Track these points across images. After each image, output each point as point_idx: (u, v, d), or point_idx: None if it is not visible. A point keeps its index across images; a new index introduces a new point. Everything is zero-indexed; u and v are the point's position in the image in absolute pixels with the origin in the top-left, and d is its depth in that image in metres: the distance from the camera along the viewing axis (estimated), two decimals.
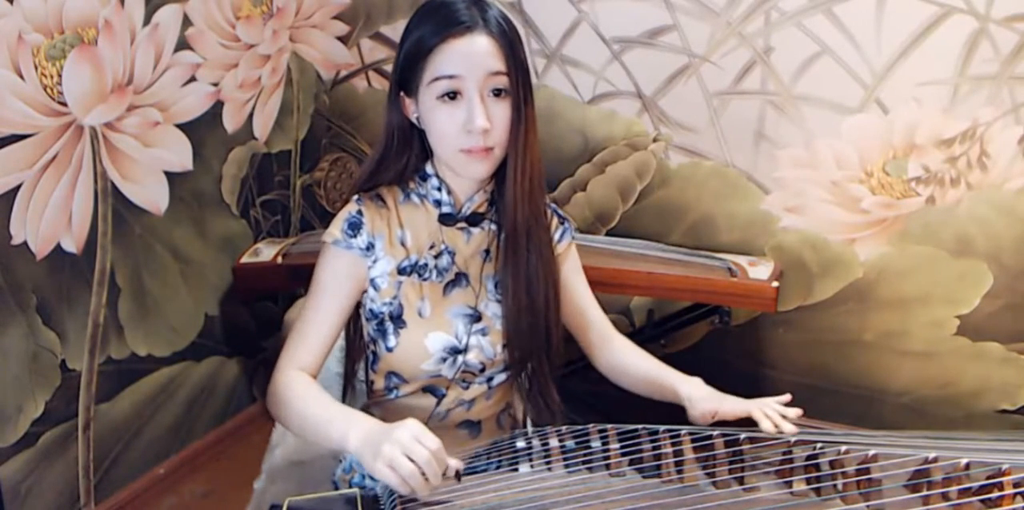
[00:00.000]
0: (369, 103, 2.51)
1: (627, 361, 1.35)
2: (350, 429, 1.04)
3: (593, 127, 2.28)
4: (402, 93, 1.19)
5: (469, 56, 1.12)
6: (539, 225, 1.24)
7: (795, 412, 1.15)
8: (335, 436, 1.06)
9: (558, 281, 1.29)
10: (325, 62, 2.48)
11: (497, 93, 1.14)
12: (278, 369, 1.19)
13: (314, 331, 1.20)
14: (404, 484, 0.96)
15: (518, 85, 1.15)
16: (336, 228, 1.21)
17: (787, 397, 1.19)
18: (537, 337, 1.25)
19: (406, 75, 1.17)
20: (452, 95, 1.13)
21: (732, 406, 1.16)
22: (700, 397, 1.20)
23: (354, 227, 1.21)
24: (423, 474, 0.96)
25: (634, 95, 2.22)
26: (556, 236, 1.31)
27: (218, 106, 2.12)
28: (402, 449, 0.96)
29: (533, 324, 1.24)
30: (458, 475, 1.02)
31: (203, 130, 2.08)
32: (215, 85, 2.09)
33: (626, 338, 1.39)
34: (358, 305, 1.27)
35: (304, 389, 1.15)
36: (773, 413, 1.14)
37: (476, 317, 1.25)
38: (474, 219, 1.25)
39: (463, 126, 1.13)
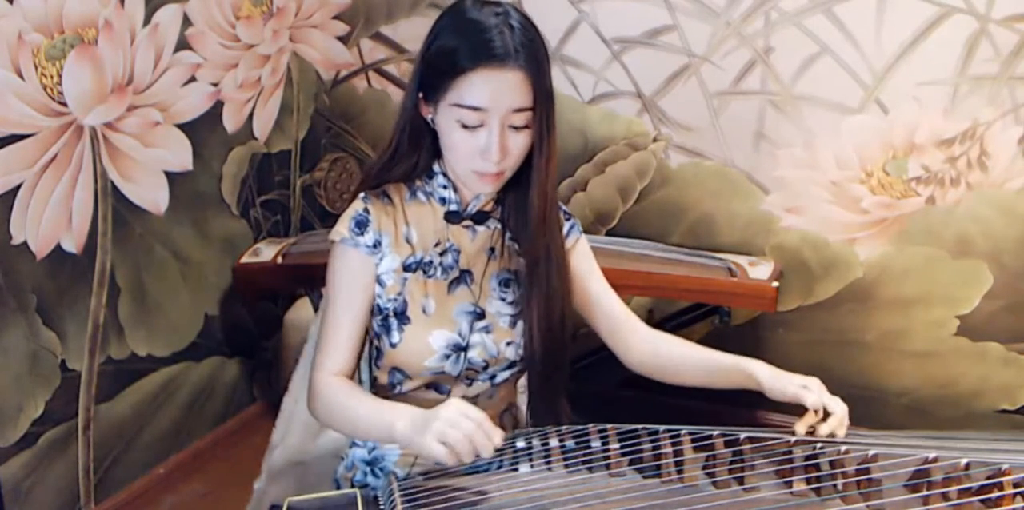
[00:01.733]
0: (369, 103, 2.51)
1: (673, 352, 1.31)
2: (396, 419, 1.07)
3: (593, 127, 2.28)
4: (420, 94, 1.19)
5: (498, 91, 1.11)
6: (557, 247, 1.26)
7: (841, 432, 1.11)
8: (382, 427, 1.08)
9: (570, 292, 1.29)
10: (325, 62, 2.48)
11: (518, 125, 1.14)
12: (315, 376, 1.20)
13: (341, 333, 1.21)
14: (453, 454, 0.99)
15: (542, 117, 1.15)
16: (343, 226, 1.22)
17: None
18: (554, 355, 1.26)
19: (428, 83, 1.16)
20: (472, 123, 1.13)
21: (816, 388, 1.15)
22: (780, 372, 1.18)
23: (361, 225, 1.21)
24: (471, 444, 0.99)
25: (634, 95, 2.22)
26: (563, 235, 1.32)
27: (218, 106, 2.12)
28: (450, 424, 1.00)
29: (551, 345, 1.26)
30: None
31: (203, 130, 2.08)
32: (215, 85, 2.09)
33: (651, 327, 1.35)
34: None
35: (346, 391, 1.17)
36: (828, 427, 1.10)
37: (480, 315, 1.25)
38: (480, 217, 1.26)
39: (479, 153, 1.13)
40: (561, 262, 1.26)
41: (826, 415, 1.13)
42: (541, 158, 1.17)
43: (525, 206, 1.22)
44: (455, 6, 1.18)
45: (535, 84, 1.13)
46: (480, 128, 1.13)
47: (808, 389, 1.14)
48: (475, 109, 1.11)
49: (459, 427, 0.99)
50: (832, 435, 1.08)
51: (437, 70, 1.14)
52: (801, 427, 1.10)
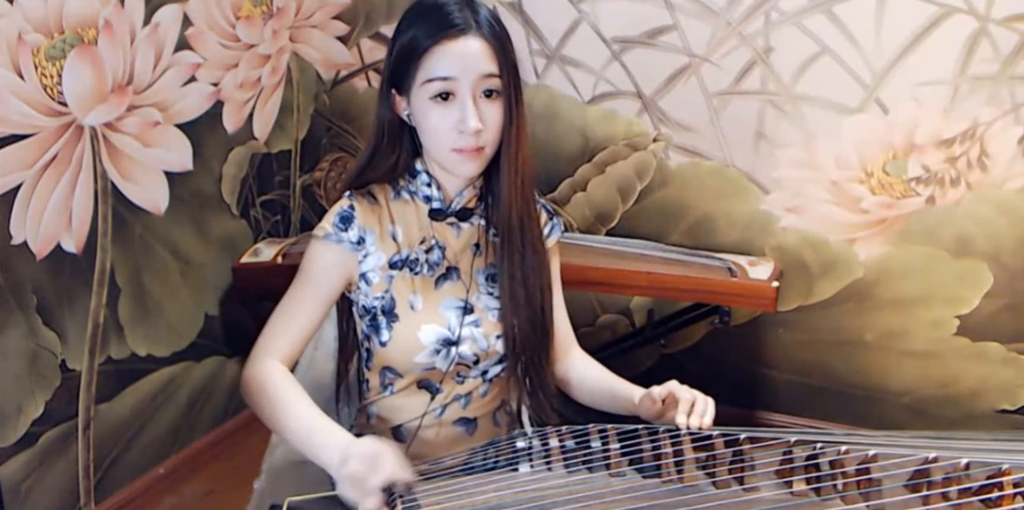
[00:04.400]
0: (369, 103, 2.51)
1: (586, 373, 1.35)
2: (333, 448, 1.07)
3: (593, 127, 2.28)
4: (393, 91, 1.21)
5: (463, 58, 1.13)
6: (531, 220, 1.26)
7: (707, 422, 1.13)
8: (318, 444, 1.09)
9: (551, 274, 1.31)
10: (325, 62, 2.48)
11: (489, 94, 1.16)
12: (257, 356, 1.19)
13: (296, 321, 1.21)
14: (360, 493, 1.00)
15: (510, 86, 1.17)
16: (327, 222, 1.23)
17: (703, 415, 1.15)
18: (534, 331, 1.27)
19: (398, 74, 1.19)
20: (445, 96, 1.15)
21: (675, 386, 1.16)
22: (644, 393, 1.20)
23: (345, 221, 1.22)
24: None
25: (634, 95, 2.22)
26: (546, 231, 1.33)
27: (218, 106, 2.12)
28: (365, 465, 1.00)
29: (530, 318, 1.26)
30: (407, 488, 1.02)
31: (203, 130, 2.08)
32: (215, 85, 2.09)
33: (584, 352, 1.39)
34: (351, 304, 1.28)
35: (288, 389, 1.15)
36: (697, 414, 1.12)
37: (468, 309, 1.26)
38: (463, 214, 1.27)
39: (455, 126, 1.15)
40: (535, 237, 1.26)
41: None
42: (512, 128, 1.18)
43: (499, 178, 1.22)
44: (415, 3, 1.20)
45: (498, 52, 1.15)
46: (452, 102, 1.15)
47: (665, 388, 1.16)
48: (444, 79, 1.14)
49: (370, 473, 1.00)
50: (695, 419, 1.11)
51: (403, 59, 1.17)
52: (681, 418, 1.11)
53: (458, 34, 1.13)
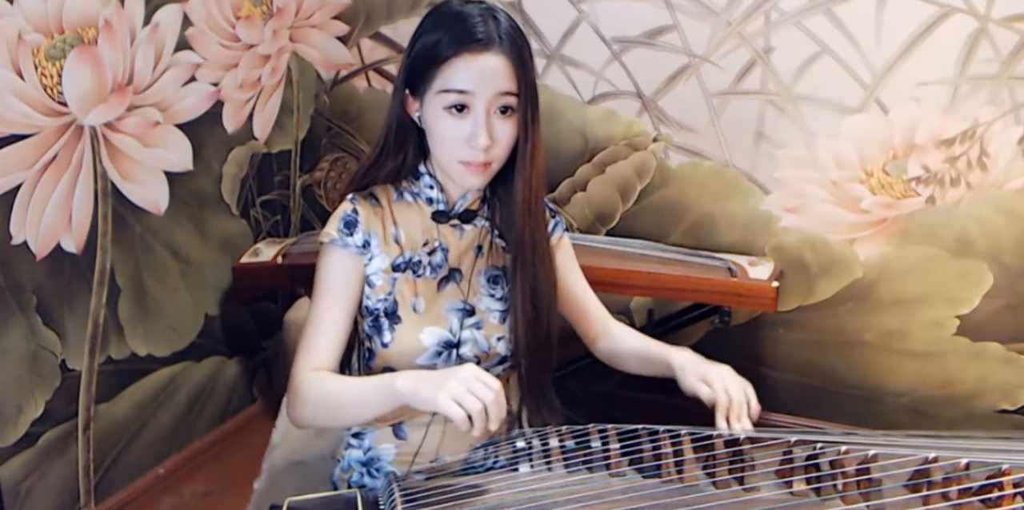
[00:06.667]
0: (369, 103, 2.51)
1: (621, 342, 1.37)
2: (395, 377, 1.07)
3: (593, 127, 2.28)
4: (407, 91, 1.20)
5: (482, 74, 1.13)
6: (542, 237, 1.27)
7: (750, 418, 1.13)
8: (379, 389, 1.09)
9: (556, 285, 1.31)
10: (325, 62, 2.48)
11: (504, 110, 1.16)
12: (295, 374, 1.20)
13: (324, 332, 1.22)
14: (467, 421, 0.99)
15: (527, 104, 1.17)
16: (332, 227, 1.23)
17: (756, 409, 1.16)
18: (539, 343, 1.28)
19: (415, 77, 1.18)
20: (460, 108, 1.15)
21: (715, 379, 1.16)
22: (691, 363, 1.21)
23: (349, 225, 1.22)
24: (484, 413, 0.99)
25: (634, 95, 2.22)
26: (548, 228, 1.33)
27: (218, 106, 2.12)
28: (468, 387, 1.00)
29: (536, 332, 1.27)
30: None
31: (203, 130, 2.08)
32: (215, 85, 2.09)
33: (621, 323, 1.41)
34: None
35: (329, 378, 1.18)
36: (735, 416, 1.12)
37: (469, 311, 1.26)
38: (467, 216, 1.27)
39: (466, 140, 1.15)
40: (545, 252, 1.27)
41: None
42: (526, 146, 1.19)
43: (510, 195, 1.23)
44: (439, 5, 1.20)
45: (518, 70, 1.15)
46: (466, 115, 1.15)
47: (707, 383, 1.16)
48: (461, 92, 1.14)
49: (477, 393, 0.99)
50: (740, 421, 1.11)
51: (422, 63, 1.16)
52: (720, 421, 1.12)
53: (481, 49, 1.13)
